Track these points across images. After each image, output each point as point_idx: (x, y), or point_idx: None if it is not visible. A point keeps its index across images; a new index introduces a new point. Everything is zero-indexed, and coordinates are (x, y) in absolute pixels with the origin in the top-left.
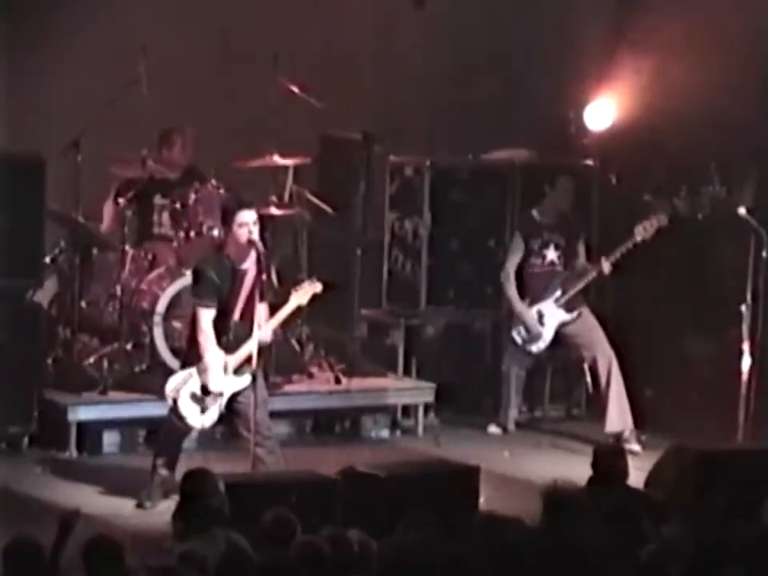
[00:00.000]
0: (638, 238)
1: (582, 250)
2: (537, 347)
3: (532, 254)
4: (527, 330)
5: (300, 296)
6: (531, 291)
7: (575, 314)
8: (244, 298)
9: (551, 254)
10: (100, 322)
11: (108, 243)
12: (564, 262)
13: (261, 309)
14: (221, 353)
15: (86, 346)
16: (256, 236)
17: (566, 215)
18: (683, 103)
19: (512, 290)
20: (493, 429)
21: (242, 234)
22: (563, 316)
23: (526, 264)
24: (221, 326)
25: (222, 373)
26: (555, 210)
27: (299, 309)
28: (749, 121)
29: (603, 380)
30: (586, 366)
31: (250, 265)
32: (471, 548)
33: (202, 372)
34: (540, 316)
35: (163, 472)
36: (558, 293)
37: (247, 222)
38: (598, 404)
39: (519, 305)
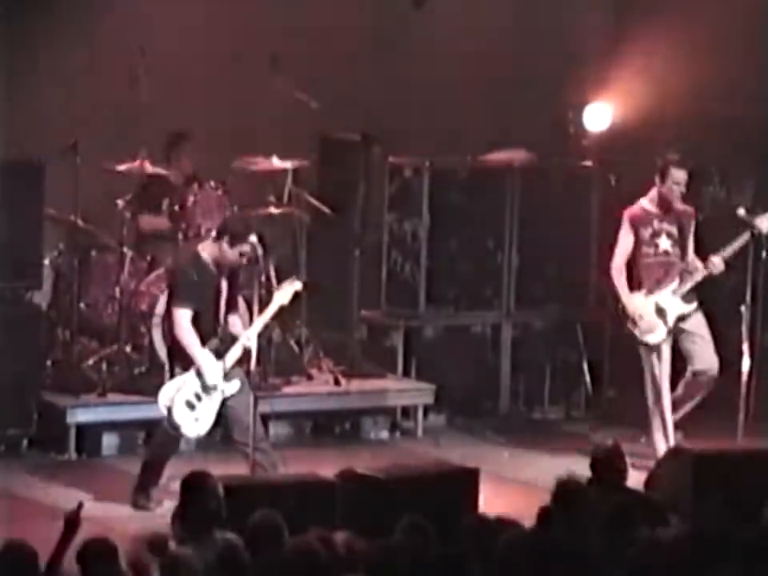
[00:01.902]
0: (764, 229)
1: (692, 241)
2: (654, 338)
3: (643, 242)
4: (639, 320)
5: (281, 296)
6: (646, 281)
7: (694, 305)
8: (226, 302)
9: (664, 243)
10: (99, 323)
11: (107, 245)
12: (677, 252)
13: (237, 321)
14: (206, 351)
15: (85, 348)
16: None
17: (675, 205)
18: (682, 104)
19: (621, 280)
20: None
21: (241, 257)
22: (682, 307)
23: (638, 253)
24: (207, 330)
25: (219, 367)
26: (664, 200)
27: (282, 308)
28: (748, 122)
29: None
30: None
31: (230, 269)
32: (468, 550)
33: (199, 374)
34: (658, 307)
35: (149, 489)
36: (676, 284)
37: (254, 243)
38: (598, 406)
39: (628, 295)
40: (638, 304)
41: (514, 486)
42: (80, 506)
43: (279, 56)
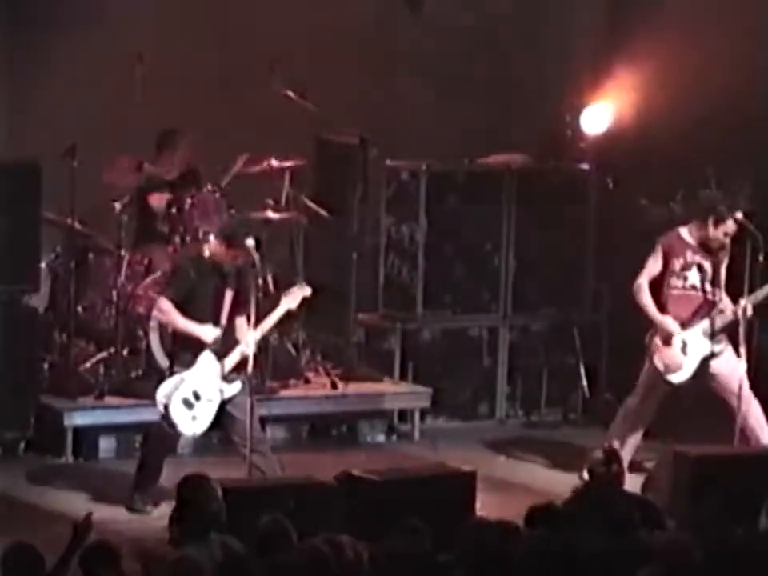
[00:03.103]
0: None
1: (723, 278)
2: (678, 378)
3: (673, 273)
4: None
5: (290, 300)
6: (674, 316)
7: (723, 344)
8: (230, 302)
9: (693, 277)
10: (96, 327)
11: (104, 248)
12: (708, 288)
13: (242, 323)
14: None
15: (82, 351)
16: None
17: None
18: (680, 107)
19: (647, 300)
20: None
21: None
22: (710, 347)
23: (665, 283)
24: None
25: (215, 331)
26: (705, 235)
27: (289, 313)
28: (745, 124)
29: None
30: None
31: (233, 269)
32: (465, 553)
33: (207, 346)
34: (684, 345)
35: (146, 490)
36: (706, 322)
37: (251, 246)
38: (595, 409)
39: (658, 314)
40: (665, 324)
41: (511, 489)
42: (89, 516)
43: (277, 59)
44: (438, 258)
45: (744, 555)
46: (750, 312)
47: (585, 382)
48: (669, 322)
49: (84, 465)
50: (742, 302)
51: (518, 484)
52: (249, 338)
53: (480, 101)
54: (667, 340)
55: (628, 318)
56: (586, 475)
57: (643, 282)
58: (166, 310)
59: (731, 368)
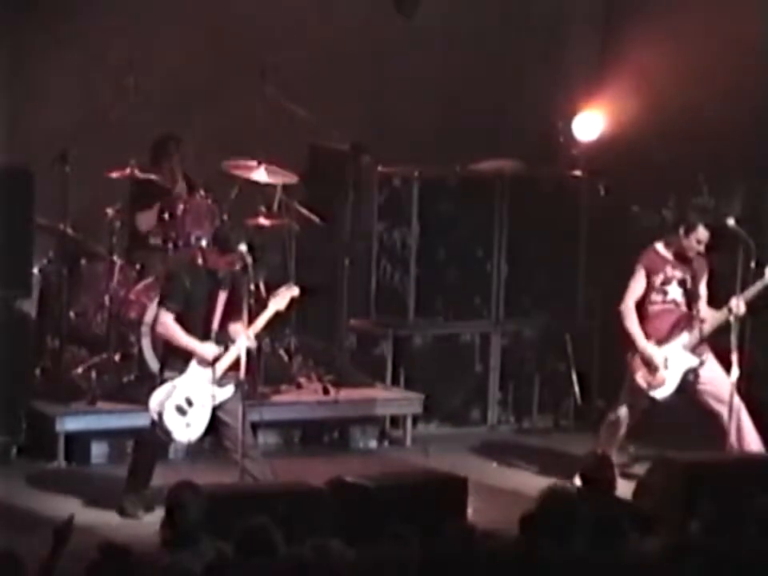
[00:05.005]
0: None
1: (704, 290)
2: (661, 393)
3: (653, 289)
4: (652, 369)
5: (278, 301)
6: (653, 331)
7: (704, 357)
8: (222, 306)
9: (674, 292)
10: (88, 332)
11: (96, 253)
12: (687, 301)
13: (236, 328)
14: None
15: (75, 357)
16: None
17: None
18: (672, 114)
19: (634, 326)
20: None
21: (231, 265)
22: (691, 361)
23: (646, 299)
24: (200, 335)
25: (216, 349)
26: (679, 246)
27: (278, 314)
28: (738, 131)
29: (733, 432)
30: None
31: (226, 274)
32: (454, 559)
33: (201, 362)
34: (665, 360)
35: (138, 495)
36: (686, 336)
37: (243, 252)
38: (587, 416)
39: (644, 341)
40: (648, 351)
41: (503, 496)
42: (71, 518)
43: (269, 66)
44: (430, 263)
45: (734, 561)
46: (743, 309)
47: (577, 389)
48: (653, 351)
49: (76, 470)
50: (733, 301)
51: (509, 490)
52: (241, 339)
53: (472, 107)
54: (648, 361)
55: (620, 325)
56: (578, 481)
57: (630, 304)
58: (169, 326)
59: (716, 377)
